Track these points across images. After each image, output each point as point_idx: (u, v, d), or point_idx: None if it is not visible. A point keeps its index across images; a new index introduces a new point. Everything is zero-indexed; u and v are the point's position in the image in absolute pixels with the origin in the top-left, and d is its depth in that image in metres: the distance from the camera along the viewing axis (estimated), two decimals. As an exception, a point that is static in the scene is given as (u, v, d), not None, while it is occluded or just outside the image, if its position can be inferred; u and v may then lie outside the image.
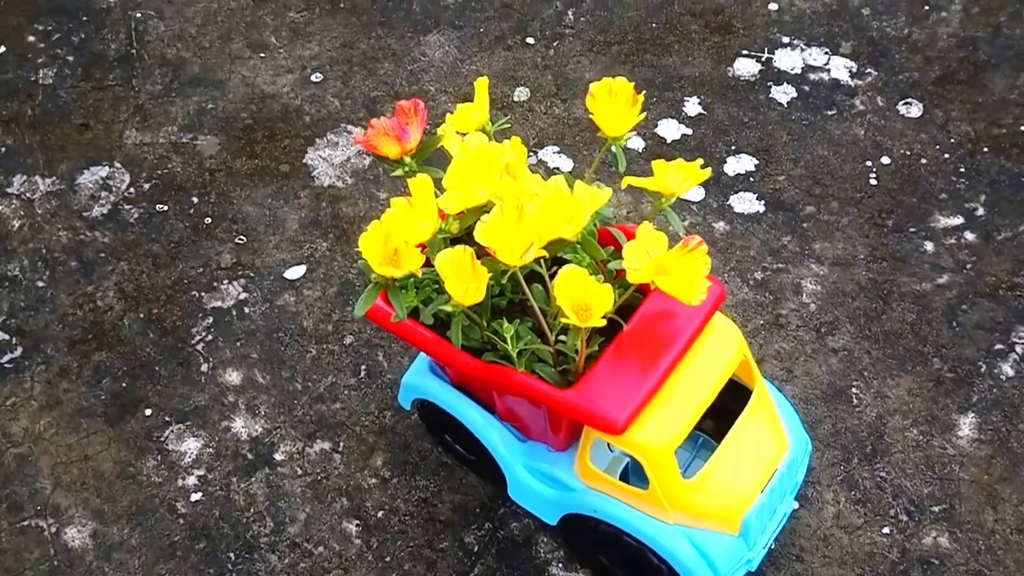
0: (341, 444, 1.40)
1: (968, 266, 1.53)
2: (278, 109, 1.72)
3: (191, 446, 1.40)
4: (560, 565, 1.30)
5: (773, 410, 1.21)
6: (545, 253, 1.06)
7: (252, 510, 1.35)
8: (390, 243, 1.06)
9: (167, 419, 1.42)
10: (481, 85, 1.17)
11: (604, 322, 1.03)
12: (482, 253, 1.06)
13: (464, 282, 1.05)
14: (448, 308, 1.08)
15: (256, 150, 1.68)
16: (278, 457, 1.39)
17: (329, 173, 1.65)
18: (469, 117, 1.16)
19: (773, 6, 1.83)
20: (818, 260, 1.53)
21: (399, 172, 1.14)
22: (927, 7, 1.82)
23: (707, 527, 1.16)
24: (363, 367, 1.46)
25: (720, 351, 1.15)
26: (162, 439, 1.41)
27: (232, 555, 1.32)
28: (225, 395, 1.44)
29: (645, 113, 1.13)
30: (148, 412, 1.43)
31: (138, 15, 1.85)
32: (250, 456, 1.39)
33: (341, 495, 1.36)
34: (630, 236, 1.17)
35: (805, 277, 1.52)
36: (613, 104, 1.12)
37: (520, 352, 1.13)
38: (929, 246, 1.55)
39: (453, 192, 1.08)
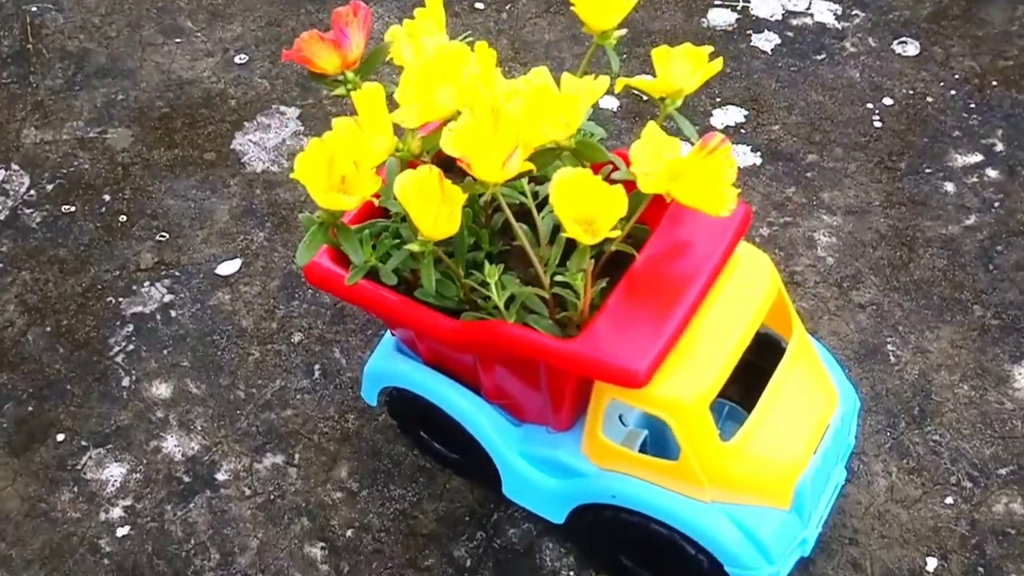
0: (297, 456, 1.17)
1: (996, 205, 1.36)
2: (199, 95, 1.51)
3: (114, 473, 1.16)
4: (571, 574, 1.08)
5: (816, 358, 1.02)
6: (532, 166, 0.86)
7: (193, 541, 1.11)
8: (336, 168, 0.85)
9: (83, 444, 1.18)
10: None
11: (617, 234, 0.83)
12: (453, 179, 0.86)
13: (433, 208, 0.85)
14: (415, 247, 0.87)
15: (176, 139, 1.46)
16: (220, 477, 1.16)
17: (262, 158, 1.44)
18: (423, 26, 0.96)
19: (740, -41, 1.68)
20: (829, 210, 1.35)
21: (340, 91, 0.94)
22: (902, -48, 1.69)
23: (751, 502, 0.95)
24: (317, 366, 1.24)
25: (750, 284, 0.96)
26: (78, 467, 1.17)
27: (171, 598, 1.09)
28: (152, 411, 1.21)
29: None
30: (60, 438, 1.19)
31: (33, 8, 1.64)
32: (186, 479, 1.16)
33: (300, 515, 1.13)
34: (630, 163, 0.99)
35: (817, 229, 1.34)
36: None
37: (508, 304, 0.92)
38: (950, 187, 1.38)
39: (410, 105, 0.88)
